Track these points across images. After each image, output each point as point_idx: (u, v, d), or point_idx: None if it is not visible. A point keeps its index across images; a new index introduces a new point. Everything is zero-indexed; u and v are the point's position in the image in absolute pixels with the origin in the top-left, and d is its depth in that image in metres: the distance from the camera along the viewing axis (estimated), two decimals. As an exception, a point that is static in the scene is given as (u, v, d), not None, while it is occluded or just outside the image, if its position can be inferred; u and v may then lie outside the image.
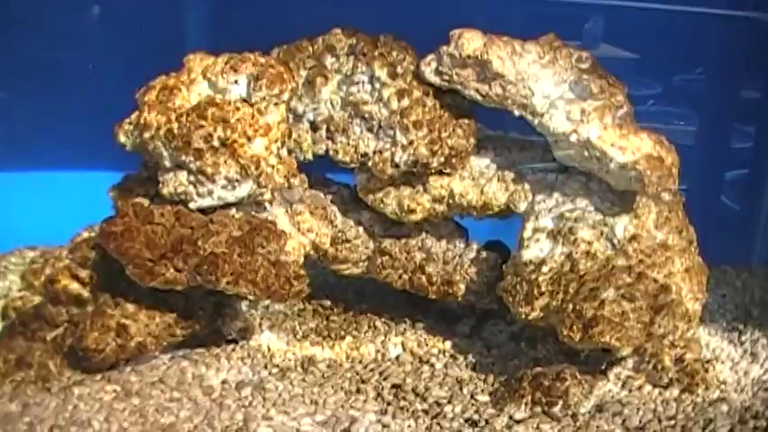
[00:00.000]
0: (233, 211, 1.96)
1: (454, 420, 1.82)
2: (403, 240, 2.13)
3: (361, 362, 2.06)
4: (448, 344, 2.15)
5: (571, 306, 1.88)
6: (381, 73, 2.00)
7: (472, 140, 2.03)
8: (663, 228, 2.00)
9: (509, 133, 2.15)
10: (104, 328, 1.92)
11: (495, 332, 2.18)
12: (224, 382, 1.94)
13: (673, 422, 1.81)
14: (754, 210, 3.07)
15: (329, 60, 2.03)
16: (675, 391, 1.92)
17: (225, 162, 1.88)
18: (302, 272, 1.95)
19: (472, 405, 1.88)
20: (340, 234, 2.12)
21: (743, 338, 2.19)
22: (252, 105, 1.92)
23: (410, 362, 2.06)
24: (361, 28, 2.07)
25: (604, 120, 1.92)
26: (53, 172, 2.78)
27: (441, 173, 2.04)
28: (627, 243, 1.95)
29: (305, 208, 2.09)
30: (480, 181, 2.06)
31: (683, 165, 1.97)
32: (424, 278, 2.11)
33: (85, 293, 1.97)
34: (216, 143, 1.88)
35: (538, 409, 1.84)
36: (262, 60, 1.94)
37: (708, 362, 1.99)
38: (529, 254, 1.98)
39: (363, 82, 2.02)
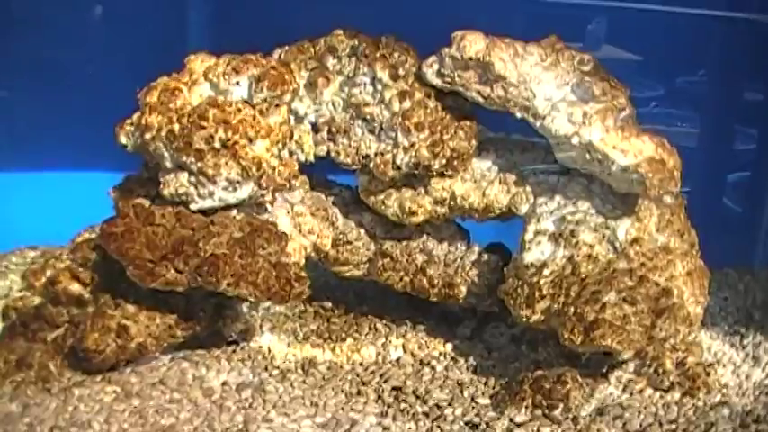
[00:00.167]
0: (234, 212, 1.96)
1: (455, 423, 1.82)
2: (404, 242, 2.13)
3: (361, 364, 2.06)
4: (449, 346, 2.14)
5: (572, 309, 1.87)
6: (383, 74, 2.00)
7: (474, 142, 2.02)
8: (665, 231, 1.99)
9: (511, 135, 2.14)
10: (105, 328, 1.91)
11: (496, 335, 2.18)
12: (224, 383, 1.94)
13: (674, 426, 1.81)
14: (757, 212, 3.07)
15: (331, 62, 2.03)
16: (677, 395, 1.91)
17: (226, 163, 1.88)
18: (303, 273, 1.94)
19: (473, 408, 1.88)
20: (341, 236, 2.11)
21: (745, 342, 2.19)
22: (253, 107, 1.91)
23: (411, 364, 2.06)
24: (363, 29, 2.07)
25: (606, 122, 1.92)
26: (54, 172, 2.78)
27: (442, 175, 2.03)
28: (628, 246, 1.95)
29: (306, 209, 2.09)
30: (482, 183, 2.05)
31: (685, 167, 1.97)
32: (425, 280, 2.11)
33: (86, 294, 1.97)
34: (217, 144, 1.88)
35: (538, 412, 1.83)
36: (263, 62, 1.94)
37: (709, 365, 1.99)
38: (530, 256, 1.97)
39: (365, 83, 2.01)
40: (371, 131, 2.02)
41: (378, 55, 2.00)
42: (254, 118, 1.90)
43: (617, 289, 1.89)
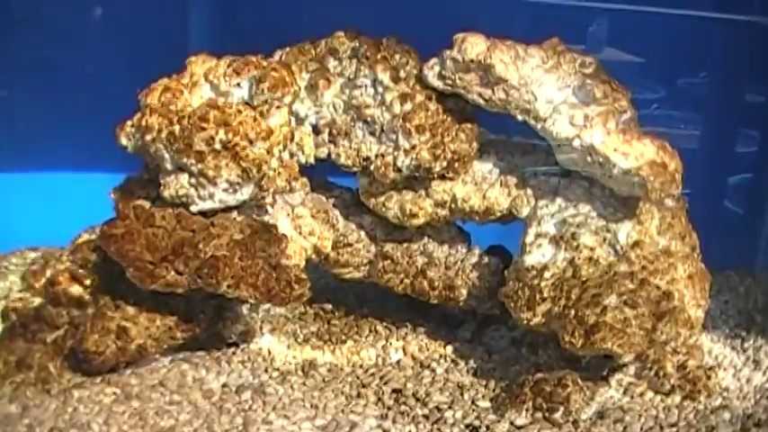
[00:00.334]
0: (234, 214, 1.96)
1: (455, 426, 1.82)
2: (405, 245, 2.12)
3: (361, 366, 2.05)
4: (449, 349, 2.14)
5: (573, 312, 1.87)
6: (384, 77, 1.99)
7: (475, 145, 2.02)
8: (666, 234, 1.99)
9: (512, 138, 2.14)
10: (104, 330, 1.91)
11: (496, 337, 2.18)
12: (224, 385, 1.93)
13: (674, 429, 1.81)
14: (758, 214, 3.06)
15: (332, 63, 2.02)
16: (677, 398, 1.91)
17: (226, 165, 1.88)
18: (303, 275, 1.94)
19: (473, 410, 1.87)
20: (341, 238, 2.11)
21: (746, 345, 2.18)
22: (254, 108, 1.91)
23: (411, 366, 2.06)
24: (364, 30, 2.06)
25: (608, 125, 1.92)
26: (54, 173, 2.78)
27: (443, 177, 2.03)
28: (629, 249, 1.95)
29: (306, 211, 2.08)
30: (483, 186, 2.05)
31: (686, 169, 1.96)
32: (425, 283, 2.11)
33: (86, 296, 1.96)
34: (217, 146, 1.87)
35: (539, 415, 1.83)
36: (264, 63, 1.94)
37: (710, 369, 1.99)
38: (531, 259, 1.97)
39: (366, 85, 2.01)
40: (372, 133, 2.01)
41: (379, 57, 2.00)
42: (254, 119, 1.90)
43: (618, 292, 1.88)
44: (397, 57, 2.01)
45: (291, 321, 2.25)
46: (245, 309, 2.10)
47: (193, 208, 1.92)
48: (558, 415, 1.82)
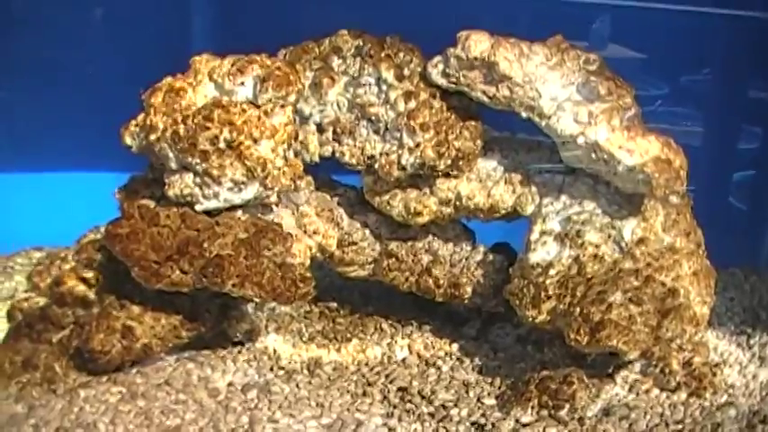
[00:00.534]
0: (239, 213, 1.96)
1: (461, 424, 1.82)
2: (409, 243, 2.13)
3: (367, 364, 2.06)
4: (454, 346, 2.14)
5: (578, 309, 1.87)
6: (388, 75, 1.99)
7: (479, 142, 2.02)
8: (671, 231, 1.99)
9: (516, 135, 2.14)
10: (110, 329, 1.91)
11: (501, 335, 2.18)
12: (230, 384, 1.94)
13: (680, 426, 1.81)
14: (762, 211, 3.06)
15: (336, 62, 2.03)
16: (683, 395, 1.91)
17: (231, 164, 1.88)
18: (308, 274, 1.94)
19: (479, 408, 1.88)
20: (346, 236, 2.11)
21: (751, 342, 2.18)
22: (258, 107, 1.91)
23: (416, 364, 2.06)
24: (368, 29, 2.06)
25: (612, 122, 1.92)
26: (59, 173, 2.78)
27: (447, 175, 2.03)
28: (634, 246, 1.94)
29: (311, 210, 2.09)
30: (487, 183, 2.05)
31: (690, 165, 1.96)
32: (430, 281, 2.11)
33: (91, 295, 1.97)
34: (222, 145, 1.87)
35: (544, 412, 1.83)
36: (268, 62, 1.94)
37: (716, 365, 1.99)
38: (536, 257, 1.97)
39: (370, 84, 2.01)
40: (376, 132, 2.01)
41: (383, 55, 2.00)
42: (258, 118, 1.90)
43: (623, 289, 1.88)
44: (401, 55, 2.01)
45: (296, 320, 2.25)
46: (250, 307, 2.10)
47: (198, 207, 1.92)
48: (563, 412, 1.82)
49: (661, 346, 1.90)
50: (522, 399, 1.86)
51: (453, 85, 1.99)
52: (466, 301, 2.13)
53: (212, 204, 1.92)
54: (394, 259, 2.12)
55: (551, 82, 1.95)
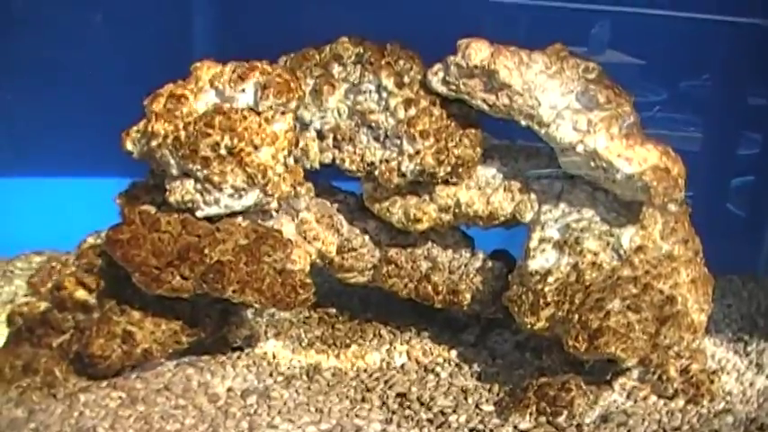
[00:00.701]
0: (239, 219, 1.96)
1: (459, 430, 1.83)
2: (409, 249, 2.13)
3: (366, 370, 2.06)
4: (453, 353, 2.15)
5: (577, 316, 1.88)
6: (388, 82, 2.00)
7: (479, 150, 2.03)
8: (669, 238, 2.00)
9: (515, 142, 2.15)
10: (110, 334, 1.92)
11: (500, 341, 2.19)
12: (229, 389, 1.94)
13: (678, 433, 1.82)
14: (760, 218, 3.07)
15: (336, 69, 2.03)
16: (681, 402, 1.92)
17: (232, 170, 1.88)
18: (308, 280, 1.95)
19: (477, 415, 1.88)
20: (346, 242, 2.12)
21: (749, 349, 2.19)
22: (259, 114, 1.91)
23: (415, 371, 2.07)
24: (368, 36, 2.07)
25: (611, 130, 1.92)
26: (60, 178, 2.78)
27: (447, 182, 2.04)
28: (633, 254, 1.95)
29: (311, 216, 2.09)
30: (486, 191, 2.06)
31: (688, 172, 1.97)
32: (429, 287, 2.11)
33: (92, 300, 1.97)
34: (223, 152, 1.88)
35: (543, 419, 1.84)
36: (269, 69, 1.94)
37: (713, 373, 1.99)
38: (535, 264, 1.98)
39: (370, 91, 2.02)
40: (377, 139, 2.02)
41: (383, 62, 2.01)
42: (259, 125, 1.90)
43: (621, 296, 1.89)
44: (402, 62, 2.02)
45: (296, 326, 2.25)
46: (249, 313, 2.11)
47: (199, 213, 1.92)
48: (561, 419, 1.83)
49: (659, 354, 1.91)
50: (521, 405, 1.86)
51: (453, 93, 1.99)
52: (465, 308, 2.13)
53: (213, 210, 1.93)
54: (393, 266, 2.12)
55: (551, 90, 1.96)
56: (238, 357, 2.07)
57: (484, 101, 1.98)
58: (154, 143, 1.89)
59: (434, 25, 2.56)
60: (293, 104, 1.95)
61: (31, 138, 2.79)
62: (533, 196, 2.05)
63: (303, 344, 2.17)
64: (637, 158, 1.91)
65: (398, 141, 2.00)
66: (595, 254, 1.95)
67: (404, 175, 2.01)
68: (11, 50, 2.69)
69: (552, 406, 1.84)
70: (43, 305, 2.01)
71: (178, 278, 1.87)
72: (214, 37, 2.82)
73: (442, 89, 2.00)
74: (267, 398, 1.91)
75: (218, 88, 1.92)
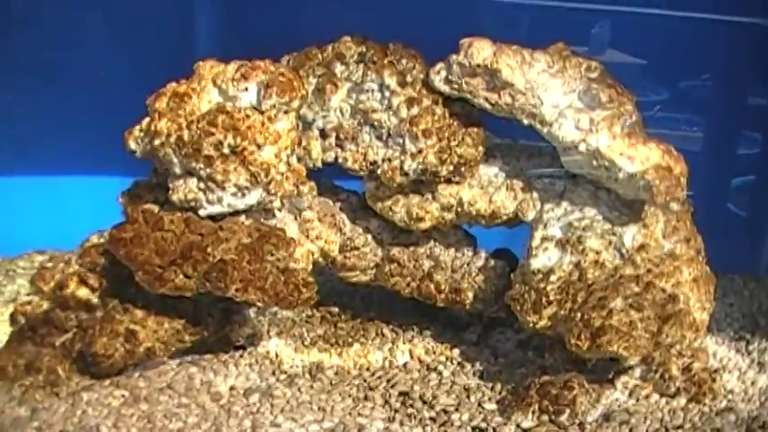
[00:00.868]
0: (242, 218, 1.97)
1: (461, 428, 1.83)
2: (411, 248, 2.13)
3: (368, 369, 2.07)
4: (455, 351, 2.15)
5: (579, 315, 1.88)
6: (391, 81, 2.00)
7: (481, 149, 2.03)
8: (671, 237, 2.00)
9: (517, 141, 2.15)
10: (113, 333, 1.92)
11: (502, 340, 2.19)
12: (232, 388, 1.94)
13: (680, 431, 1.81)
14: (761, 217, 3.07)
15: (339, 68, 2.04)
16: (683, 401, 1.92)
17: (235, 169, 1.89)
18: (311, 279, 1.95)
19: (479, 413, 1.88)
20: (348, 241, 2.12)
21: (750, 348, 2.19)
22: (262, 113, 1.92)
23: (418, 369, 2.07)
24: (370, 35, 2.07)
25: (613, 129, 1.93)
26: (63, 177, 2.78)
27: (449, 181, 2.04)
28: (635, 252, 1.95)
29: (314, 215, 2.10)
30: (489, 189, 2.06)
31: (689, 171, 1.97)
32: (432, 286, 2.12)
33: (94, 299, 1.97)
34: (226, 150, 1.88)
35: (545, 417, 1.84)
36: (272, 68, 1.94)
37: (715, 371, 1.99)
38: (537, 262, 1.98)
39: (373, 90, 2.02)
40: (379, 138, 2.02)
41: (386, 62, 2.01)
42: (262, 124, 1.90)
43: (623, 295, 1.89)
44: (404, 61, 2.03)
45: (298, 324, 2.25)
46: (252, 312, 2.11)
47: (202, 212, 1.93)
48: (563, 417, 1.83)
49: (661, 352, 1.91)
50: (523, 404, 1.87)
51: (456, 92, 2.00)
52: (467, 307, 2.14)
53: (216, 209, 1.93)
54: (396, 264, 2.13)
55: (553, 89, 1.96)
56: (241, 356, 2.07)
57: (486, 100, 1.99)
58: (157, 142, 1.90)
59: (437, 24, 2.57)
60: (296, 103, 1.95)
61: (33, 137, 2.79)
62: (536, 195, 2.05)
63: (306, 342, 2.18)
64: (639, 157, 1.91)
65: (401, 140, 2.00)
66: (598, 252, 1.95)
67: (406, 174, 2.01)
68: (13, 50, 2.69)
69: (555, 404, 1.84)
70: (46, 304, 2.01)
71: (181, 277, 1.87)
72: (217, 36, 2.82)
73: (444, 88, 2.00)
74: (270, 396, 1.91)
75: (222, 87, 1.93)
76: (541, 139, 2.02)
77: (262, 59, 1.96)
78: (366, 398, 1.93)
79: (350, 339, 2.19)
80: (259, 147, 1.90)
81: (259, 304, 1.92)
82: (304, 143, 2.04)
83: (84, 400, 1.86)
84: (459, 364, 2.10)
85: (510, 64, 1.94)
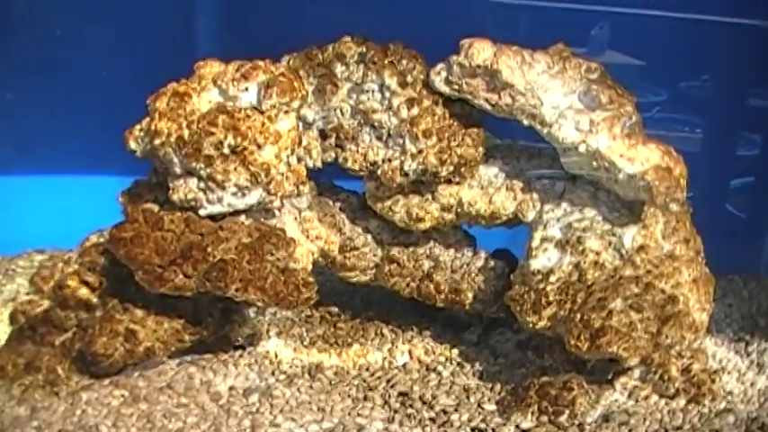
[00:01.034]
0: (242, 217, 1.97)
1: (461, 429, 1.83)
2: (411, 248, 2.13)
3: (368, 369, 2.07)
4: (455, 352, 2.15)
5: (579, 316, 1.88)
6: (391, 81, 2.00)
7: (481, 149, 2.03)
8: (670, 238, 2.00)
9: (517, 142, 2.15)
10: (113, 333, 1.92)
11: (502, 341, 2.19)
12: (231, 388, 1.94)
13: (679, 432, 1.82)
14: (761, 218, 3.07)
15: (339, 68, 2.04)
16: (682, 402, 1.92)
17: (235, 169, 1.89)
18: (311, 279, 1.95)
19: (479, 413, 1.88)
20: (348, 241, 2.12)
21: (749, 349, 2.19)
22: (262, 113, 1.92)
23: (417, 370, 2.07)
24: (371, 34, 2.07)
25: (613, 130, 1.93)
26: (63, 176, 2.78)
27: (449, 182, 2.04)
28: (635, 253, 1.96)
29: (314, 215, 2.10)
30: (489, 190, 2.06)
31: (688, 172, 1.97)
32: (431, 286, 2.12)
33: (94, 298, 1.97)
34: (226, 150, 1.88)
35: (544, 418, 1.84)
36: (272, 68, 1.94)
37: (714, 372, 2.00)
38: (537, 263, 1.98)
39: (373, 90, 2.02)
40: (379, 138, 2.03)
41: (386, 62, 2.01)
42: (263, 124, 1.90)
43: (623, 296, 1.90)
44: (404, 62, 2.03)
45: (298, 324, 2.25)
46: (252, 312, 2.11)
47: (202, 212, 1.93)
48: (563, 418, 1.83)
49: (660, 353, 1.91)
50: (523, 404, 1.87)
51: (456, 93, 2.00)
52: (467, 307, 2.14)
53: (216, 209, 1.93)
54: (395, 265, 2.13)
55: (553, 90, 1.96)
56: (240, 356, 2.07)
57: (486, 100, 1.99)
58: (157, 141, 1.90)
59: (437, 25, 2.57)
60: (296, 103, 1.95)
61: (33, 136, 2.79)
62: (535, 196, 2.05)
63: (305, 343, 2.18)
64: (639, 158, 1.91)
65: (401, 141, 2.00)
66: (597, 253, 1.95)
67: (406, 175, 2.01)
68: (13, 49, 2.69)
69: (554, 405, 1.85)
70: (46, 303, 2.01)
71: (181, 276, 1.87)
72: (218, 36, 2.82)
73: (444, 89, 2.00)
74: (269, 396, 1.91)
75: (222, 87, 1.93)
76: (541, 139, 2.02)
77: (262, 59, 1.96)
78: (365, 398, 1.93)
79: (349, 339, 2.19)
80: (259, 147, 1.90)
81: (259, 304, 1.92)
82: (304, 143, 2.04)
83: (83, 400, 1.86)
84: (458, 364, 2.10)
85: (510, 65, 1.94)
